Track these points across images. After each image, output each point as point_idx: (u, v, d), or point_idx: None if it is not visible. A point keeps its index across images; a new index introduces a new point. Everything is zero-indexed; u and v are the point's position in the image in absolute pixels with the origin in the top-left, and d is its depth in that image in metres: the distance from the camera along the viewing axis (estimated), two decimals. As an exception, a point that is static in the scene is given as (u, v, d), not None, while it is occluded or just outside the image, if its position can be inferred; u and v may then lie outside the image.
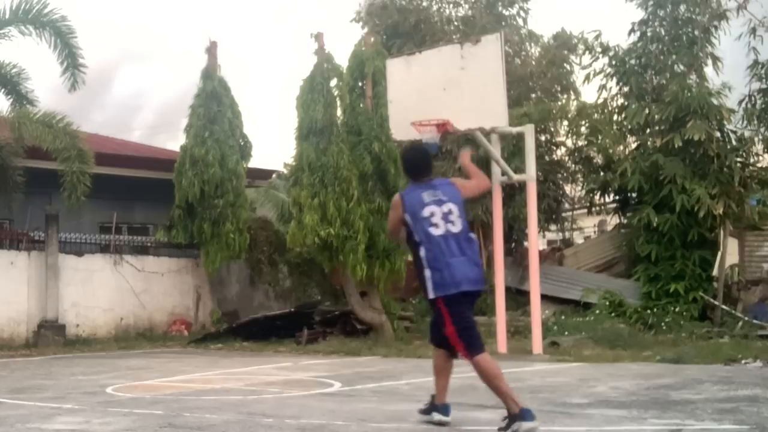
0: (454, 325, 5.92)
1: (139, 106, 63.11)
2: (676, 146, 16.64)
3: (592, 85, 19.16)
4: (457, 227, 6.04)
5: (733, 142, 17.40)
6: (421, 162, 6.40)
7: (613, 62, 18.53)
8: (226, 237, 16.68)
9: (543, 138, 19.02)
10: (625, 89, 18.47)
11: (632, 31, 18.44)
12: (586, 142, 18.68)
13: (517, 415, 5.64)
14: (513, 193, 17.29)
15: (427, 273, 5.94)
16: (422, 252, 5.99)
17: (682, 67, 18.10)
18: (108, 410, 7.24)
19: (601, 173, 18.22)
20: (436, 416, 6.20)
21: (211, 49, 17.35)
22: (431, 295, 5.96)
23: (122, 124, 49.36)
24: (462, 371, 10.33)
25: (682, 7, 17.99)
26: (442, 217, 6.04)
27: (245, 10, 72.16)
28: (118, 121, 53.05)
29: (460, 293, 5.91)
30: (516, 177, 13.39)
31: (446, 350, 6.14)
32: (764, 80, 17.49)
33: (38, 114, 15.19)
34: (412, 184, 6.33)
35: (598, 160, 18.64)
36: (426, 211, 6.04)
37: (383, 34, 18.88)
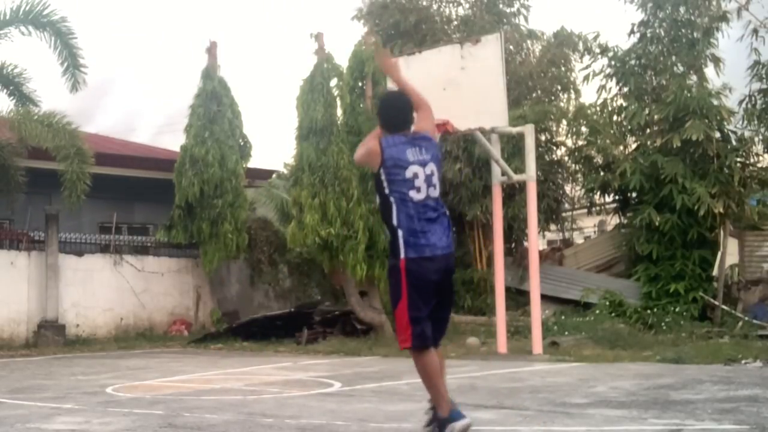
0: (406, 300, 5.36)
1: (141, 108, 63.19)
2: (675, 146, 16.66)
3: (592, 85, 19.15)
4: (437, 191, 5.46)
5: (733, 142, 17.41)
6: (402, 109, 5.62)
7: (612, 62, 18.54)
8: (224, 237, 16.68)
9: (543, 138, 19.01)
10: (625, 89, 18.49)
11: (632, 32, 18.45)
12: (585, 142, 18.68)
13: (446, 419, 5.24)
14: (513, 193, 17.29)
15: (400, 233, 5.37)
16: (397, 217, 5.38)
17: (681, 68, 18.11)
18: (108, 410, 7.24)
19: (601, 173, 18.22)
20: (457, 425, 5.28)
21: (211, 49, 17.35)
22: (402, 255, 5.35)
23: (128, 129, 49.50)
24: (461, 372, 10.33)
25: (682, 9, 17.99)
26: (424, 179, 5.40)
27: (245, 10, 72.19)
28: (123, 124, 53.14)
29: (434, 257, 5.33)
30: (516, 177, 13.38)
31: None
32: (765, 80, 17.50)
33: (39, 114, 15.20)
34: (390, 136, 5.55)
35: (598, 160, 18.64)
36: (409, 172, 5.39)
37: (384, 33, 18.85)
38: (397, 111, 5.62)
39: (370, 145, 5.54)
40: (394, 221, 5.40)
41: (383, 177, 5.42)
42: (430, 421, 5.37)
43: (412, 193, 5.35)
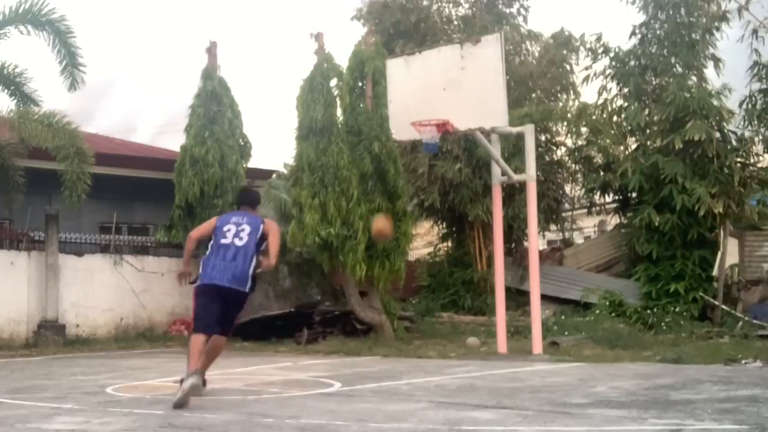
0: (194, 308, 7.96)
1: (141, 108, 63.19)
2: (676, 147, 16.66)
3: (592, 86, 19.16)
4: (241, 242, 7.80)
5: (733, 143, 17.42)
6: (243, 199, 8.47)
7: (613, 63, 18.54)
8: (225, 237, 16.66)
9: (543, 138, 19.02)
10: (625, 90, 18.49)
11: (633, 34, 18.44)
12: (585, 143, 18.69)
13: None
14: (513, 193, 17.30)
15: (201, 267, 7.84)
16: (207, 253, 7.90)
17: (681, 69, 18.10)
18: (108, 410, 7.24)
19: (601, 173, 18.23)
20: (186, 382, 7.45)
21: (211, 49, 17.33)
22: (199, 281, 7.82)
23: (128, 129, 49.52)
24: (461, 372, 10.34)
25: (683, 10, 17.99)
26: (234, 233, 7.84)
27: (245, 10, 72.21)
28: (124, 124, 53.13)
29: (208, 286, 7.71)
30: (516, 177, 13.38)
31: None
32: (765, 81, 17.49)
33: (38, 114, 15.18)
34: (233, 211, 8.49)
35: (598, 160, 18.66)
36: (225, 227, 7.92)
37: (384, 33, 18.84)
38: (245, 197, 8.53)
39: (210, 222, 8.24)
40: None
41: (213, 234, 7.98)
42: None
43: (221, 240, 7.84)
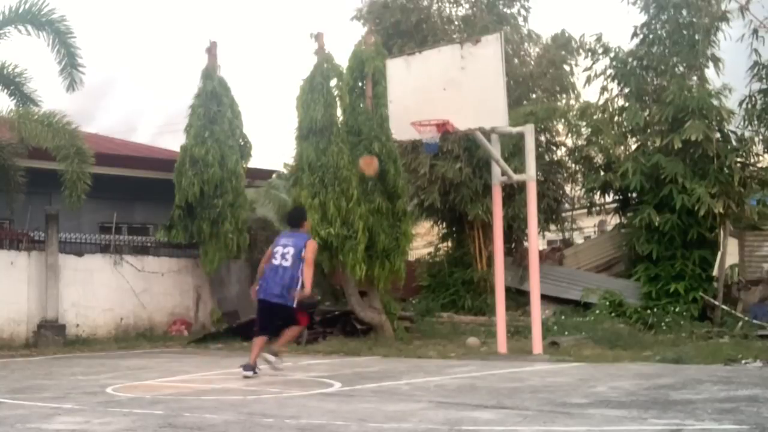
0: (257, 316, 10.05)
1: (141, 108, 63.20)
2: (675, 147, 16.66)
3: (593, 86, 19.13)
4: (287, 263, 9.67)
5: (733, 143, 17.42)
6: (289, 221, 10.52)
7: (614, 63, 18.53)
8: (224, 237, 16.68)
9: (543, 138, 19.00)
10: (626, 90, 18.47)
11: (635, 34, 18.42)
12: (586, 142, 18.68)
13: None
14: (513, 193, 17.29)
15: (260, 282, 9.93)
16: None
17: (682, 69, 18.09)
18: (108, 410, 7.24)
19: (602, 173, 18.23)
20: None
21: (211, 49, 17.33)
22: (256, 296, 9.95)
23: (128, 129, 49.56)
24: (461, 372, 10.34)
25: (684, 11, 17.98)
26: (281, 254, 9.74)
27: (245, 11, 72.21)
28: (124, 124, 53.14)
29: (260, 300, 9.84)
30: (516, 177, 13.37)
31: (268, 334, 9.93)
32: (765, 81, 17.48)
33: (39, 114, 15.18)
34: (287, 230, 10.39)
35: (599, 160, 18.66)
36: (275, 249, 9.85)
37: (384, 33, 18.82)
38: (290, 218, 10.60)
39: (270, 248, 10.11)
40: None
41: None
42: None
43: (273, 260, 9.82)
